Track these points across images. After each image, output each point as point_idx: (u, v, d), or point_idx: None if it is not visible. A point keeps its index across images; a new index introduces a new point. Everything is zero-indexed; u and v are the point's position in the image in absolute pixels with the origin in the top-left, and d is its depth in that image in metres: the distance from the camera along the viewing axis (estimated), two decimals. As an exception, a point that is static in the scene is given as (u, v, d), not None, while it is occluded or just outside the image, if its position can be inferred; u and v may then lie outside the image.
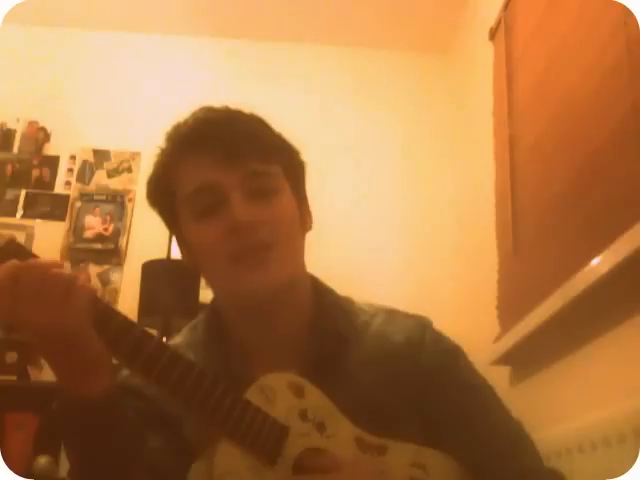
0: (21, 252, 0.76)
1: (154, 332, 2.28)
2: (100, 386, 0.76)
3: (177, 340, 0.97)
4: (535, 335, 1.68)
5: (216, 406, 0.77)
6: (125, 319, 0.77)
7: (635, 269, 1.23)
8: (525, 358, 1.85)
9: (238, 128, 0.91)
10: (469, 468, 0.89)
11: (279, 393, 0.83)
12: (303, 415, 0.83)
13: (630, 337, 1.32)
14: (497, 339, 1.98)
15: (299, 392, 0.84)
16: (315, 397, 0.85)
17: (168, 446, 0.85)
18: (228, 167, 0.88)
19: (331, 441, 0.84)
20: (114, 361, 0.78)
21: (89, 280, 2.80)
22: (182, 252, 0.97)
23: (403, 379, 0.92)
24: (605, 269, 1.30)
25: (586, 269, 1.39)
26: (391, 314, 1.00)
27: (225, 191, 0.88)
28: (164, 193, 0.94)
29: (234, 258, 0.87)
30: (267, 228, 0.88)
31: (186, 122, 0.93)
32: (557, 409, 1.59)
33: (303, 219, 0.96)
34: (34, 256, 0.76)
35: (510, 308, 2.01)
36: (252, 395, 0.81)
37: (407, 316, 1.00)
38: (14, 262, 0.72)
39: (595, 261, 1.35)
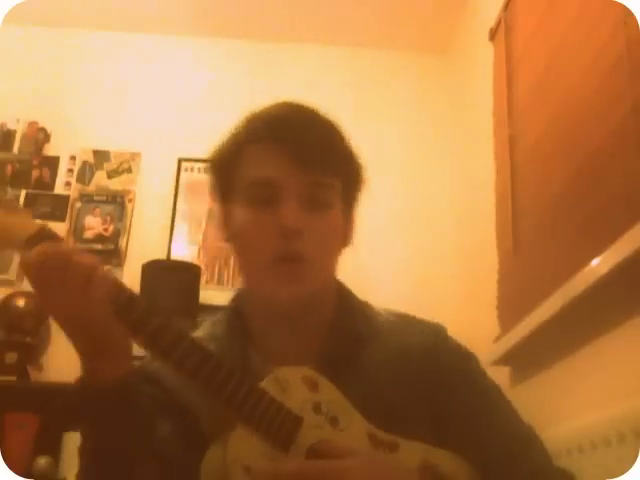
0: (52, 239, 0.78)
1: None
2: (117, 372, 0.78)
3: (199, 333, 0.99)
4: (535, 335, 1.68)
5: (232, 393, 0.80)
6: (146, 310, 0.79)
7: (635, 270, 1.23)
8: (525, 358, 1.85)
9: (316, 135, 0.93)
10: (479, 468, 0.90)
11: (293, 386, 0.85)
12: (317, 408, 0.85)
13: (630, 338, 1.32)
14: (497, 339, 1.98)
15: (313, 386, 0.86)
16: (329, 392, 0.86)
17: (178, 434, 0.87)
18: (294, 170, 0.90)
19: (344, 434, 0.85)
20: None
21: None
22: (223, 227, 0.99)
23: (416, 379, 0.94)
24: (605, 269, 1.30)
25: (586, 269, 1.39)
26: (407, 318, 1.03)
27: (282, 192, 0.90)
28: (227, 169, 0.97)
29: (273, 259, 0.89)
30: (311, 240, 0.90)
31: (269, 112, 0.96)
32: (557, 409, 1.59)
33: (345, 235, 1.00)
34: (64, 241, 0.81)
35: (510, 308, 2.01)
36: (267, 385, 0.83)
37: (422, 321, 1.03)
38: (44, 246, 0.75)
39: (595, 261, 1.35)
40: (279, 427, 0.81)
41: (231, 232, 0.97)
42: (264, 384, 0.83)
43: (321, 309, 0.97)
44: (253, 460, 0.78)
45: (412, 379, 0.93)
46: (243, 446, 0.79)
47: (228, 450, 0.78)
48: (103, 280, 0.76)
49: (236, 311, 1.00)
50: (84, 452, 0.84)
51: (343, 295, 1.01)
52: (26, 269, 0.74)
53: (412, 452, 0.88)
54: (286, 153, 0.90)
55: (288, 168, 0.90)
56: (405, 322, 1.02)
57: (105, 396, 0.78)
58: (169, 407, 0.88)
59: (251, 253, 0.93)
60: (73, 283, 0.74)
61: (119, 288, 0.78)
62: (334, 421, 0.85)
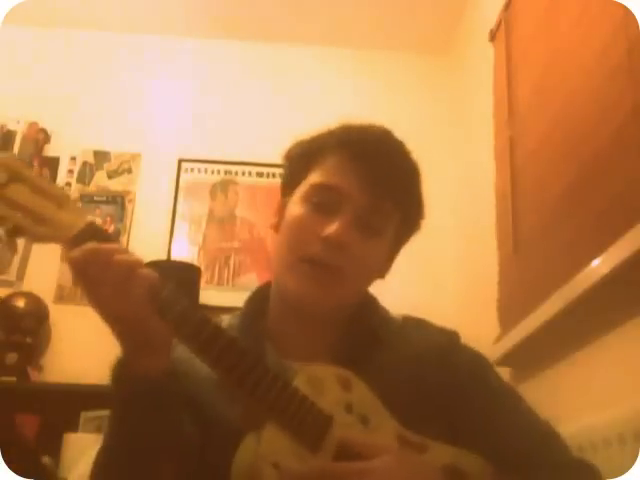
0: (99, 234, 0.80)
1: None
2: (158, 367, 0.79)
3: (222, 324, 1.00)
4: (536, 336, 1.68)
5: (266, 390, 0.80)
6: (185, 308, 0.80)
7: (636, 270, 1.23)
8: (525, 359, 1.85)
9: (393, 166, 0.97)
10: (500, 467, 0.90)
11: (327, 385, 0.85)
12: (348, 408, 0.85)
13: (631, 338, 1.32)
14: (497, 340, 1.98)
15: (346, 385, 0.87)
16: (361, 392, 0.87)
17: (197, 428, 0.88)
18: (361, 191, 0.93)
19: (373, 435, 0.85)
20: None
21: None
22: (275, 215, 1.02)
23: (431, 382, 0.95)
24: (606, 270, 1.30)
25: (587, 270, 1.39)
26: (421, 323, 1.05)
27: (343, 205, 0.93)
28: (300, 166, 0.99)
29: (305, 258, 0.91)
30: (350, 259, 0.92)
31: (359, 131, 0.99)
32: (557, 410, 1.59)
33: (383, 267, 1.02)
34: (111, 238, 0.81)
35: (510, 309, 2.00)
36: (300, 383, 0.84)
37: (436, 326, 1.05)
38: (90, 245, 0.76)
39: (595, 262, 1.35)
40: (310, 426, 0.81)
41: (280, 222, 0.99)
42: (297, 382, 0.83)
43: (340, 313, 0.98)
44: (283, 458, 0.79)
45: (427, 381, 0.94)
46: (274, 443, 0.79)
47: (260, 445, 0.79)
48: (143, 279, 0.77)
49: (254, 307, 1.01)
50: (109, 446, 0.84)
51: (366, 301, 1.03)
52: (71, 266, 0.76)
53: (441, 454, 0.88)
54: (360, 173, 0.93)
55: (357, 186, 0.93)
56: (420, 326, 1.04)
57: (141, 389, 0.79)
58: (188, 400, 0.89)
59: (289, 247, 0.95)
60: (114, 281, 0.75)
61: (160, 286, 0.80)
62: (365, 421, 0.86)
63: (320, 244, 0.91)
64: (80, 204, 3.02)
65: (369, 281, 1.00)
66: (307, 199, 0.95)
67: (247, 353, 0.81)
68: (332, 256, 0.90)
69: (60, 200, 0.79)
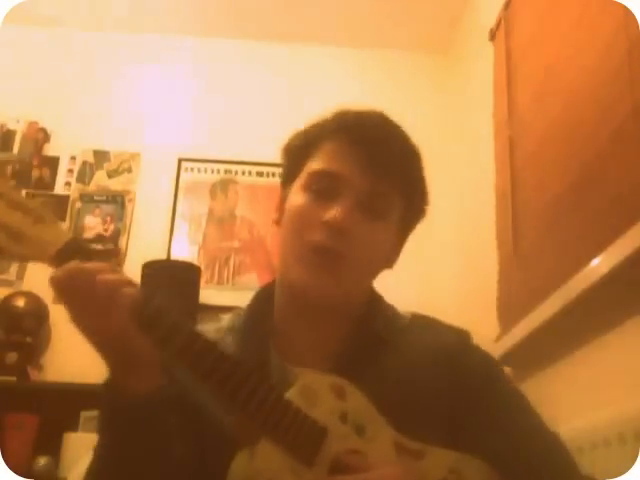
0: (82, 250, 0.78)
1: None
2: (145, 386, 0.77)
3: (221, 323, 0.99)
4: (535, 335, 1.68)
5: (258, 405, 0.78)
6: (170, 326, 0.77)
7: (635, 269, 1.23)
8: (525, 359, 1.85)
9: (393, 150, 0.94)
10: (501, 472, 0.88)
11: (320, 395, 0.83)
12: (343, 418, 0.83)
13: (630, 338, 1.32)
14: (497, 339, 1.98)
15: (341, 394, 0.84)
16: (356, 400, 0.85)
17: (182, 430, 0.85)
18: (361, 175, 0.91)
19: (370, 444, 0.83)
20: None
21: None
22: (277, 209, 1.00)
23: (437, 382, 0.93)
24: (605, 269, 1.30)
25: (586, 269, 1.39)
26: (430, 321, 1.03)
27: (343, 190, 0.91)
28: (299, 156, 0.97)
29: (311, 248, 0.89)
30: (354, 243, 0.90)
31: (356, 116, 0.96)
32: (557, 410, 1.59)
33: (390, 255, 1.00)
34: (93, 255, 0.78)
35: (510, 308, 2.01)
36: (293, 395, 0.81)
37: (445, 325, 1.03)
38: (73, 264, 0.74)
39: (595, 261, 1.35)
40: (304, 440, 0.79)
41: (281, 216, 0.97)
42: (290, 394, 0.81)
43: (346, 310, 0.96)
44: (278, 474, 0.77)
45: (433, 381, 0.92)
46: (269, 459, 0.77)
47: (254, 462, 0.77)
48: (125, 298, 0.75)
49: (258, 307, 0.99)
50: (99, 455, 0.82)
51: (372, 300, 1.01)
52: (54, 286, 0.74)
53: (440, 461, 0.86)
54: (359, 157, 0.91)
55: (357, 170, 0.91)
56: (428, 325, 1.01)
57: (128, 411, 0.77)
58: (183, 408, 0.86)
59: (292, 237, 0.92)
60: (97, 302, 0.73)
61: (143, 305, 0.77)
62: (360, 430, 0.83)
63: (323, 231, 0.88)
64: (80, 204, 3.02)
65: (376, 269, 0.98)
66: (307, 187, 0.93)
67: (237, 366, 0.78)
68: (335, 242, 0.88)
69: (37, 214, 0.76)
